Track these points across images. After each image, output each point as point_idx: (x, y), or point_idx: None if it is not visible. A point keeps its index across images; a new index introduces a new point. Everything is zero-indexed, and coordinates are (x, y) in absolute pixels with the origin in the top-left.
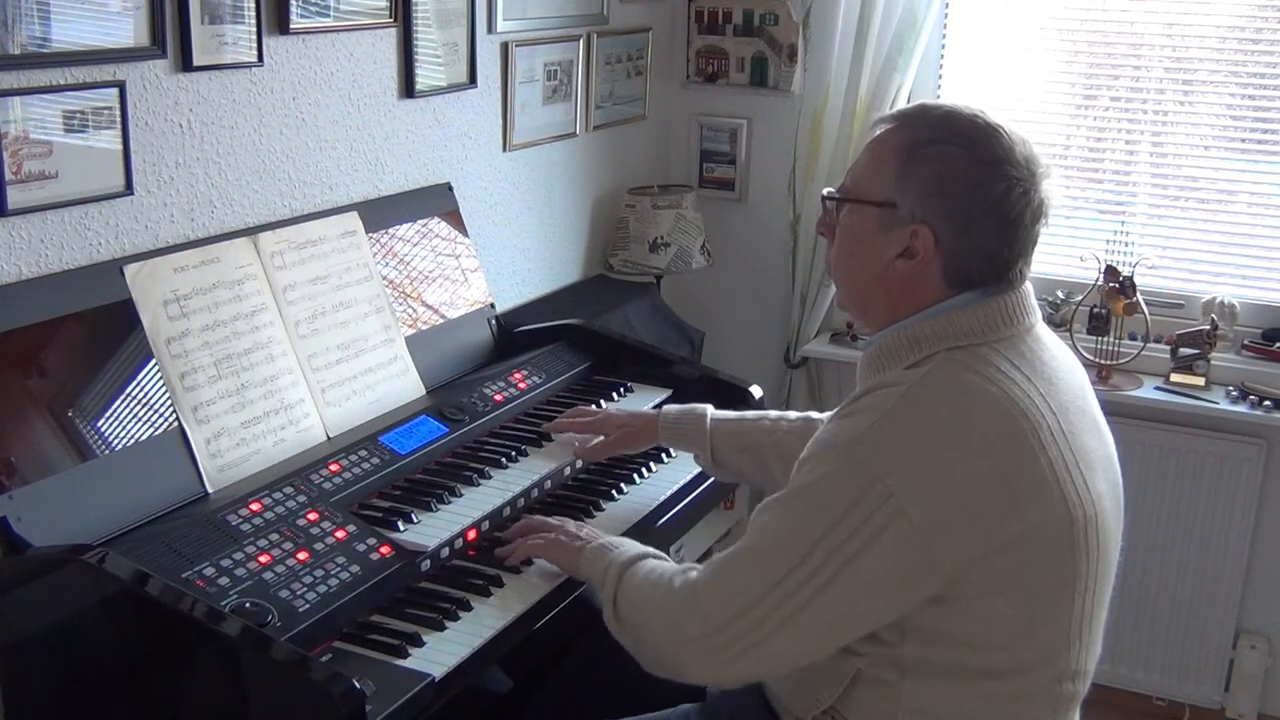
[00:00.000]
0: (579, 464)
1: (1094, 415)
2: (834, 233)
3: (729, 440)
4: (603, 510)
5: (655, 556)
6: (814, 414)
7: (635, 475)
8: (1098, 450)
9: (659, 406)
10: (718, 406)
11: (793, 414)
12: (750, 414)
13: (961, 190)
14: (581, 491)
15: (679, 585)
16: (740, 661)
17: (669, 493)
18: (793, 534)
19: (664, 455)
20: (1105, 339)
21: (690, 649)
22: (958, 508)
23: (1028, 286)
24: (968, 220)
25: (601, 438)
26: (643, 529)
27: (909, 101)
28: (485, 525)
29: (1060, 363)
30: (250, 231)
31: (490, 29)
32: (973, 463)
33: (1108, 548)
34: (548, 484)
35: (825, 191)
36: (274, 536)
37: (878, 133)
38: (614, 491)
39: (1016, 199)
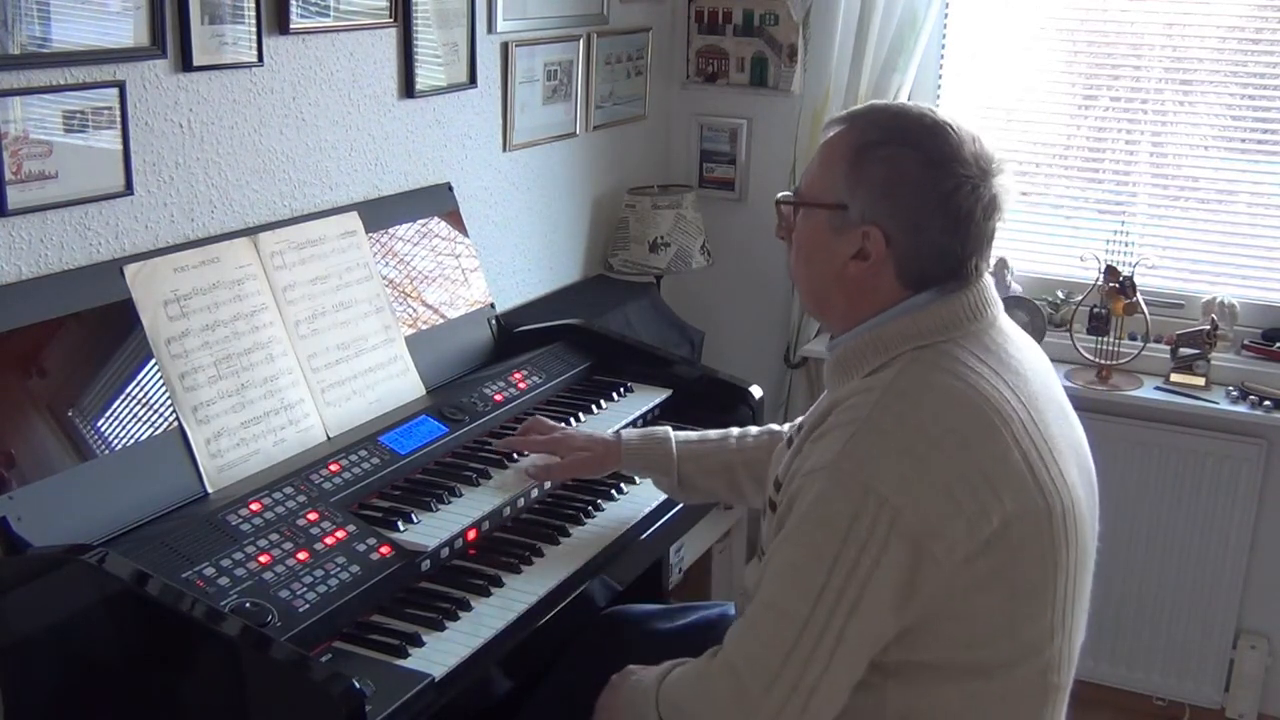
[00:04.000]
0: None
1: (1061, 403)
2: (791, 235)
3: (698, 462)
4: (602, 510)
5: (681, 663)
6: (775, 426)
7: (635, 475)
8: (1067, 437)
9: (657, 419)
10: (718, 407)
11: (754, 429)
12: (712, 433)
13: (910, 190)
14: (580, 492)
15: (713, 668)
16: (805, 714)
17: None
18: (804, 568)
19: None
20: (1105, 339)
21: None
22: (945, 507)
23: (987, 280)
24: (918, 220)
25: (558, 459)
26: (642, 529)
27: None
28: (485, 525)
29: (1025, 353)
30: (250, 231)
31: (490, 29)
32: (952, 461)
33: (1084, 535)
34: (547, 484)
35: (779, 196)
36: (274, 536)
37: (829, 135)
38: (614, 491)
39: (965, 196)
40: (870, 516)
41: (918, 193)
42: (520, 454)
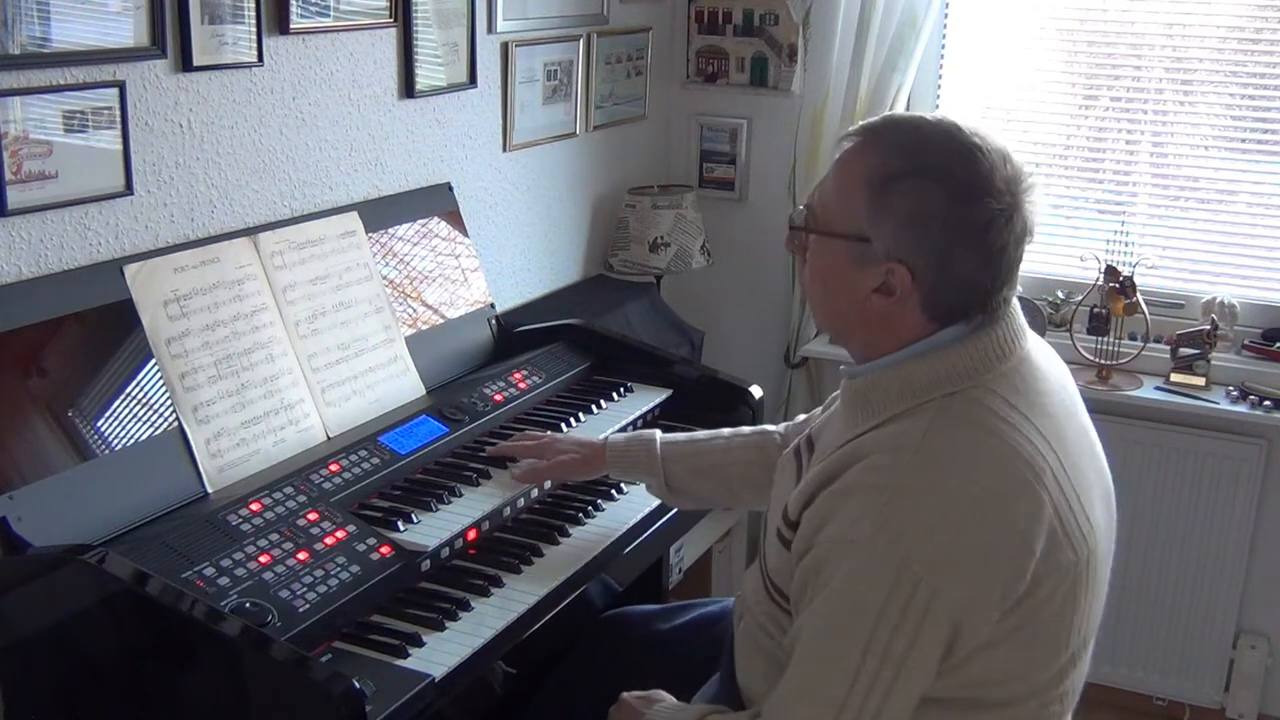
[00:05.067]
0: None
1: (1085, 427)
2: (804, 252)
3: (683, 463)
4: (602, 510)
5: (716, 713)
6: (769, 427)
7: (622, 478)
8: (1092, 468)
9: (650, 424)
10: (718, 406)
11: (746, 429)
12: (701, 434)
13: (940, 226)
14: (580, 492)
15: None
16: None
17: None
18: (839, 649)
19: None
20: (1105, 339)
21: None
22: (984, 575)
23: (1015, 307)
24: (948, 257)
25: (544, 462)
26: (642, 529)
27: (909, 102)
28: (485, 525)
29: (1051, 382)
30: (250, 231)
31: (490, 29)
32: (988, 526)
33: (1103, 575)
34: (547, 484)
35: (792, 216)
36: (274, 536)
37: (845, 149)
38: (614, 491)
39: (999, 230)
40: (905, 596)
41: (948, 229)
42: (510, 461)
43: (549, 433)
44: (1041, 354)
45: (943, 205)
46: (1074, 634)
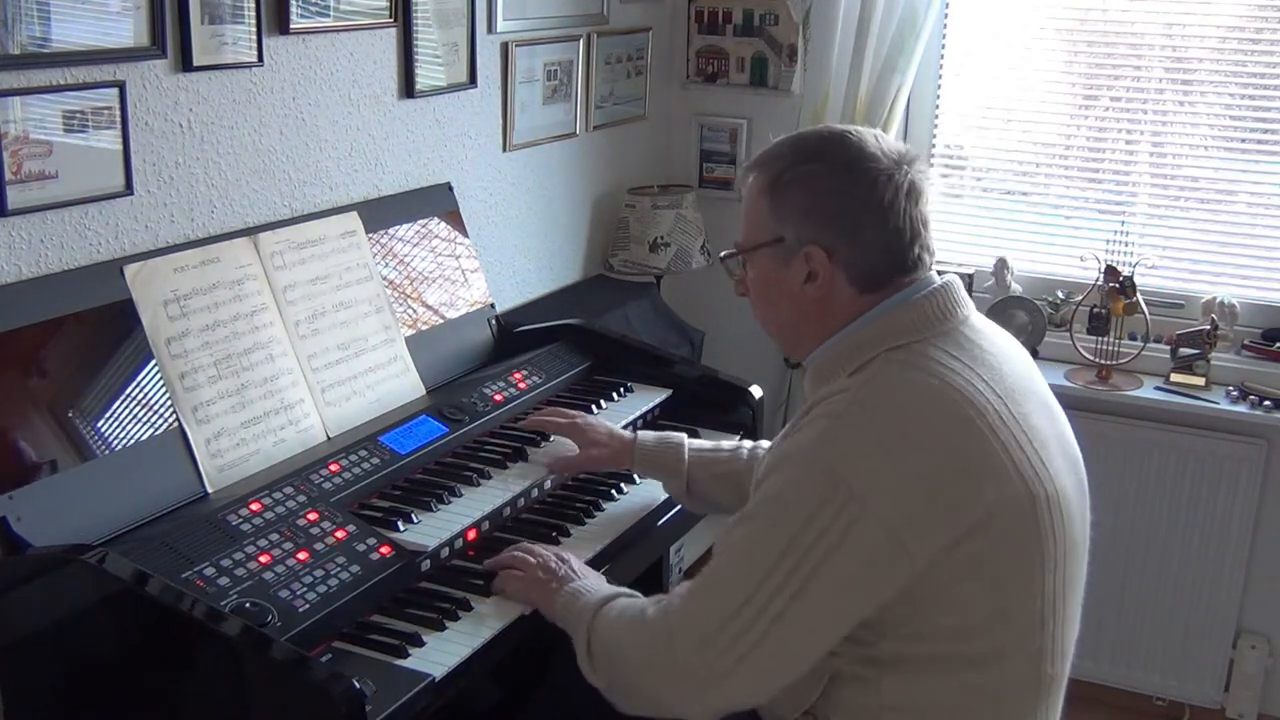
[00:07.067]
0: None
1: (1042, 395)
2: (746, 288)
3: (707, 469)
4: (603, 510)
5: (626, 595)
6: None
7: (635, 475)
8: (1049, 429)
9: (662, 414)
10: (718, 406)
11: (766, 442)
12: (726, 444)
13: (831, 199)
14: (581, 492)
15: (651, 616)
16: (723, 688)
17: None
18: (759, 546)
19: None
20: (1105, 339)
21: (668, 681)
22: (920, 497)
23: (954, 280)
24: (848, 224)
25: (576, 451)
26: (643, 529)
27: (909, 102)
28: (485, 525)
29: (1001, 349)
30: (250, 231)
31: (490, 29)
32: (927, 452)
33: (1073, 524)
34: (547, 484)
35: (722, 254)
36: (274, 536)
37: (746, 184)
38: (614, 491)
39: (884, 186)
40: (835, 507)
41: (839, 199)
42: (542, 437)
43: (579, 413)
44: (990, 328)
45: (829, 181)
46: (1047, 578)
